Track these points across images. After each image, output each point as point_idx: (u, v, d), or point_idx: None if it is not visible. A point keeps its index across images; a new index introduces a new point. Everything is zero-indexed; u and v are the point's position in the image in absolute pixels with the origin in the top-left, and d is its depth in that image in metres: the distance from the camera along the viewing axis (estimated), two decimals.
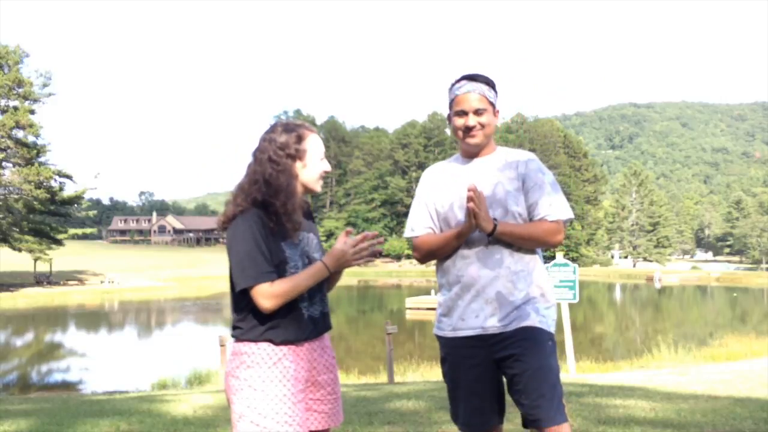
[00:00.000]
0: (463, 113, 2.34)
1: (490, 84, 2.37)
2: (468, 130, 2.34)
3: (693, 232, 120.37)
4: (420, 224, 2.44)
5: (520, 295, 2.29)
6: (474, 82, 2.34)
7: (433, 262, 2.48)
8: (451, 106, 2.39)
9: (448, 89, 2.42)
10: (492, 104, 2.36)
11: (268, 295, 1.98)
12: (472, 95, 2.33)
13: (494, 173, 2.36)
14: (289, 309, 2.04)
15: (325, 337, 2.20)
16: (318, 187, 2.18)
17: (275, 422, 1.97)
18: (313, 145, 2.16)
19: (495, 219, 2.29)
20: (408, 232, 2.47)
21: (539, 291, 2.34)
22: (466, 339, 2.32)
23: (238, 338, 2.07)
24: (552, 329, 2.34)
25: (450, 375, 2.41)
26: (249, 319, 2.05)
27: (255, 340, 2.03)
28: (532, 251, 2.36)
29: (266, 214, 2.05)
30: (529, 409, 2.23)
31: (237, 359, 2.05)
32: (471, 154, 2.41)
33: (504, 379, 2.36)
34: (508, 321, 2.27)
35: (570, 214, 2.38)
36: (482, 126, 2.33)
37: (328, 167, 2.21)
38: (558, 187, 2.39)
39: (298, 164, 2.13)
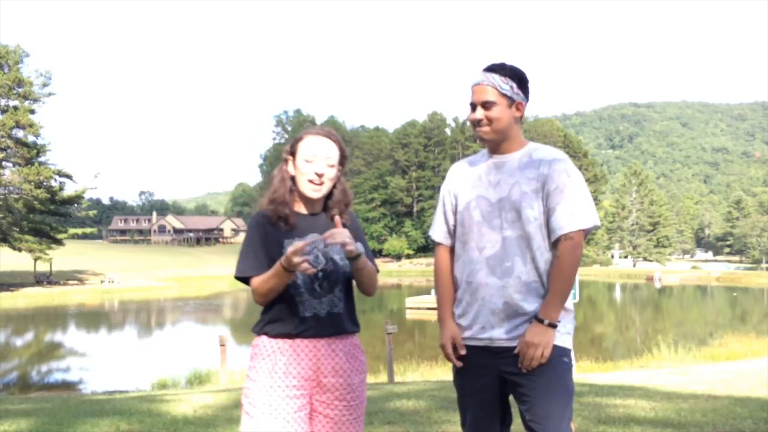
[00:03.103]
0: (473, 106, 2.23)
1: (508, 75, 2.19)
2: (476, 123, 2.22)
3: (693, 232, 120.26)
4: (437, 230, 2.38)
5: (530, 308, 2.14)
6: (489, 73, 2.20)
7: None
8: None
9: None
10: (507, 97, 2.18)
11: (252, 288, 2.11)
12: (481, 87, 2.19)
13: (515, 172, 2.20)
14: (285, 305, 2.11)
15: (341, 341, 2.15)
16: (306, 190, 2.14)
17: (261, 413, 2.04)
18: (303, 146, 2.16)
19: (542, 319, 2.10)
20: (430, 231, 2.42)
21: None
22: (472, 348, 2.22)
23: (252, 330, 2.20)
24: (567, 344, 2.17)
25: (458, 381, 2.31)
26: (260, 314, 2.19)
27: (258, 333, 2.16)
28: (550, 262, 2.18)
29: (269, 210, 2.17)
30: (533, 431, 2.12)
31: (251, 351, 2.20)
32: (493, 149, 2.27)
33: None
34: (516, 334, 2.14)
35: (592, 222, 2.15)
36: (490, 120, 2.18)
37: (318, 169, 2.12)
38: (584, 192, 2.17)
39: (290, 166, 2.20)
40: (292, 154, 2.18)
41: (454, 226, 2.33)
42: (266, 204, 2.17)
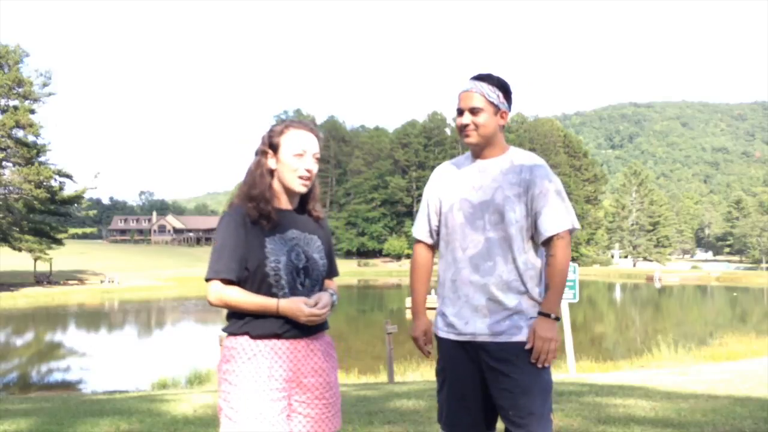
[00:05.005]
0: (460, 111, 2.33)
1: (495, 84, 2.31)
2: (463, 128, 2.33)
3: (693, 232, 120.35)
4: (420, 228, 2.51)
5: (511, 303, 2.25)
6: (477, 81, 2.31)
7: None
8: None
9: None
10: (493, 105, 2.30)
11: (215, 292, 2.03)
12: (470, 94, 2.30)
13: (497, 176, 2.31)
14: None
15: (318, 340, 2.14)
16: (295, 185, 2.10)
17: (246, 417, 1.97)
18: (289, 140, 2.09)
19: (548, 313, 2.24)
20: (413, 229, 2.54)
21: (532, 302, 2.28)
22: (456, 343, 2.32)
23: (225, 331, 2.11)
24: None
25: (440, 373, 2.40)
26: (234, 313, 2.09)
27: (235, 334, 2.06)
28: (532, 262, 2.30)
29: (249, 208, 2.08)
30: (515, 426, 2.20)
31: (222, 352, 2.10)
32: (477, 153, 2.38)
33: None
34: (498, 330, 2.24)
35: (574, 224, 2.31)
36: (476, 126, 2.29)
37: (309, 166, 2.09)
38: (564, 196, 2.32)
39: (270, 159, 2.12)
40: (273, 146, 2.11)
41: (437, 226, 2.44)
42: (244, 201, 2.08)
